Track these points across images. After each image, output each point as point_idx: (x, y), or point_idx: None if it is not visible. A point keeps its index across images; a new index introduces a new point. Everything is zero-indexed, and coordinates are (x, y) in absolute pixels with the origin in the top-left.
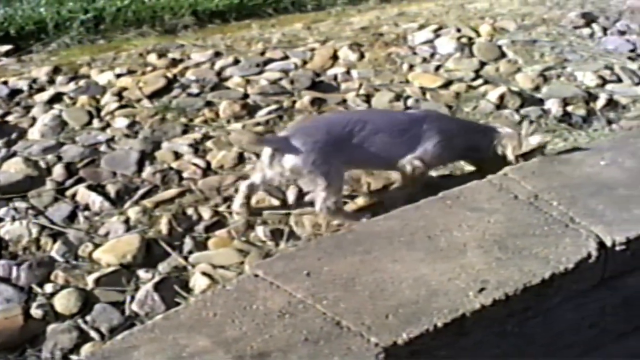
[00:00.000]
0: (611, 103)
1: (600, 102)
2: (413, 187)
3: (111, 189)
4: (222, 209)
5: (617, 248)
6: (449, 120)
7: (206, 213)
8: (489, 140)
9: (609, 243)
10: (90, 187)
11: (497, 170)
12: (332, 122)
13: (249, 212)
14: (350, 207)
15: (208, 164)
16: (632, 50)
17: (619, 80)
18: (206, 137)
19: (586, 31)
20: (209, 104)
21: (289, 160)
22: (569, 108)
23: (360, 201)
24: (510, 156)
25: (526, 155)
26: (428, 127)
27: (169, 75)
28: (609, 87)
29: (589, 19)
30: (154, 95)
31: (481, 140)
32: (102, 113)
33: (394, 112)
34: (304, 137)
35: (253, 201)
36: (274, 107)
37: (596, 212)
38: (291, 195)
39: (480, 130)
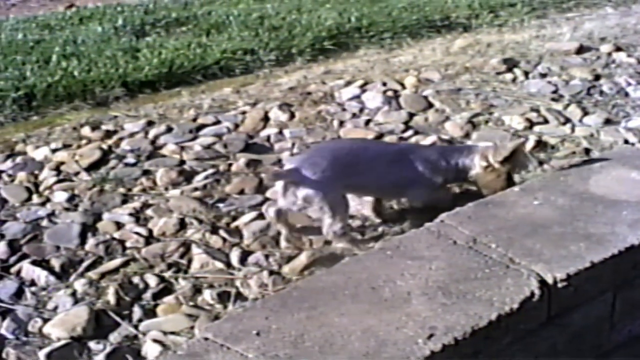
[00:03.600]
0: (540, 144)
1: (530, 143)
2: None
3: (56, 263)
4: (167, 275)
5: (559, 285)
6: (429, 148)
7: (152, 280)
8: (472, 157)
9: (550, 280)
10: (34, 263)
11: (496, 185)
12: (335, 150)
13: (290, 228)
14: (294, 263)
15: (150, 231)
16: (555, 92)
17: (546, 122)
18: (146, 205)
19: (509, 76)
20: (145, 172)
21: (302, 191)
22: None
23: (304, 258)
24: (494, 163)
25: (509, 160)
26: (414, 157)
27: (104, 146)
28: (536, 128)
29: (510, 65)
30: (91, 168)
31: (462, 158)
32: (41, 188)
33: (384, 142)
34: (313, 167)
35: (198, 265)
36: (210, 171)
37: (534, 251)
38: (235, 257)
39: (460, 150)
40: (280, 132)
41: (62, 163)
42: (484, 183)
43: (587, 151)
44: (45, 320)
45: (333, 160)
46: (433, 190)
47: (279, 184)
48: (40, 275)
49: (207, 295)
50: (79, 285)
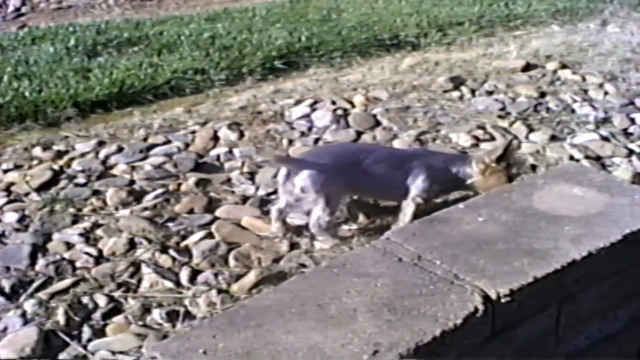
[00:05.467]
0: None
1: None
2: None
3: (6, 284)
4: (117, 294)
5: (503, 300)
6: (435, 155)
7: (102, 300)
8: (469, 164)
9: (493, 296)
10: None
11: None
12: (340, 150)
13: (286, 229)
14: (243, 282)
15: (100, 251)
16: (502, 109)
17: (492, 139)
18: (96, 225)
19: (456, 94)
20: (96, 192)
21: (300, 180)
22: None
23: (252, 277)
24: (490, 162)
25: (503, 157)
26: (417, 164)
27: (55, 167)
28: (483, 145)
29: (457, 83)
30: (41, 188)
31: (461, 166)
32: None
33: (392, 148)
34: (315, 161)
35: (147, 285)
36: (160, 191)
37: (478, 267)
38: (184, 276)
39: (459, 158)
40: (230, 151)
41: (13, 184)
42: (485, 187)
43: (533, 167)
44: None
45: (336, 157)
46: (429, 196)
47: (282, 173)
48: None
49: (156, 315)
50: (29, 305)
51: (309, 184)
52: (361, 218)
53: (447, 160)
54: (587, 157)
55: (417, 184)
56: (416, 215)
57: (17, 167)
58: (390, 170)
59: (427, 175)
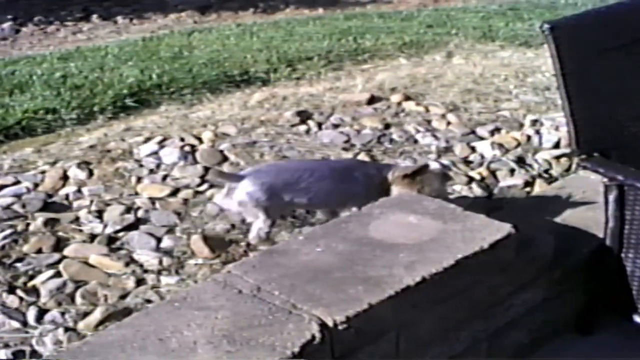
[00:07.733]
0: None
1: None
2: None
3: None
4: None
5: (340, 327)
6: (370, 165)
7: None
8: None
9: (330, 323)
10: None
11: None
12: (283, 168)
13: None
14: (89, 319)
15: None
16: (347, 141)
17: None
18: None
19: (303, 128)
20: None
21: (238, 195)
22: None
23: (98, 314)
24: (397, 177)
25: (409, 177)
26: (358, 174)
27: None
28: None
29: (304, 117)
30: None
31: (387, 173)
32: None
33: (332, 161)
34: (254, 178)
35: None
36: (8, 232)
37: (315, 296)
38: (31, 316)
39: (385, 167)
40: (79, 190)
41: None
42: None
43: None
44: None
45: (276, 175)
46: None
47: (225, 187)
48: None
49: (2, 355)
50: None
51: (247, 198)
52: (207, 252)
53: (378, 168)
54: None
55: (357, 193)
56: None
57: None
58: (334, 184)
59: (366, 184)
